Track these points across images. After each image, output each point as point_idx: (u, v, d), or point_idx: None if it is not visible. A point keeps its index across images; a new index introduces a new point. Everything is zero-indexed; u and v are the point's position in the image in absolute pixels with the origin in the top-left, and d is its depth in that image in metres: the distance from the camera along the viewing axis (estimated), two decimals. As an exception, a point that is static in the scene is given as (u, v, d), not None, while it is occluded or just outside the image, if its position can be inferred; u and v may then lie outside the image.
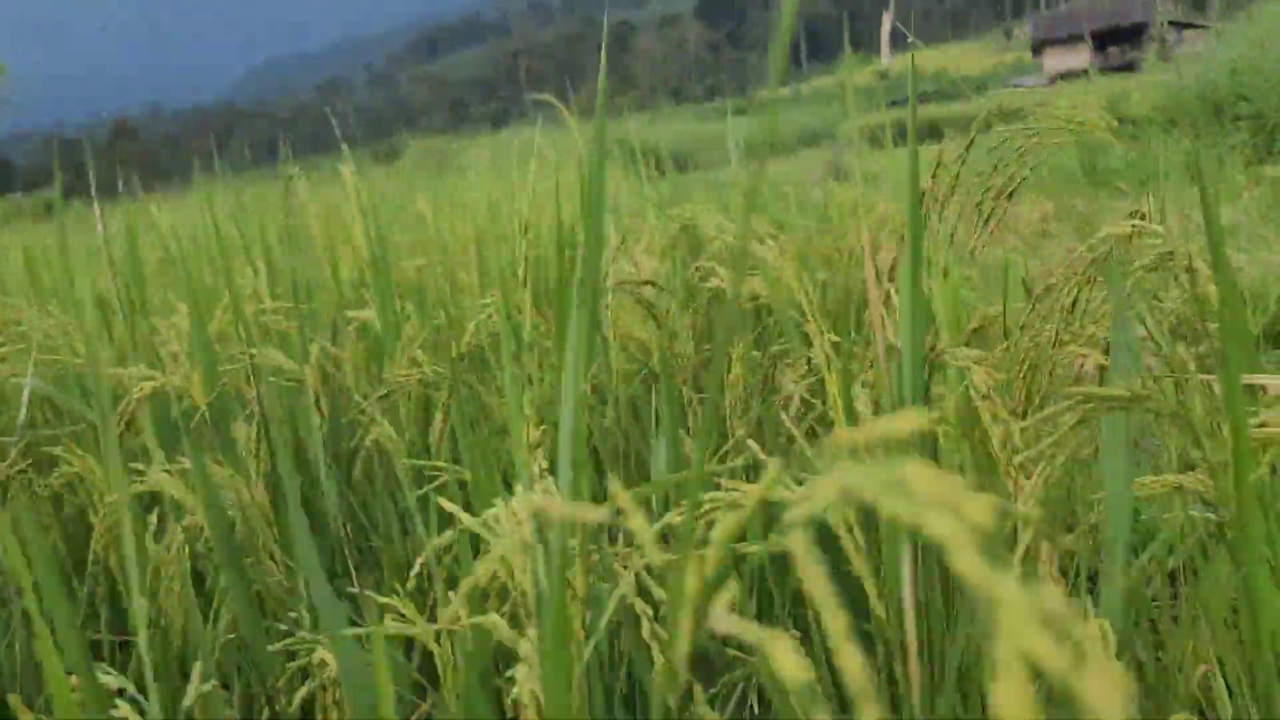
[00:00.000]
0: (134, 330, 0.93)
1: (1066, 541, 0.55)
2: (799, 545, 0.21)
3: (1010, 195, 0.69)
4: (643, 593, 0.56)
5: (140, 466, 0.69)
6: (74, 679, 0.46)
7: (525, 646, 0.49)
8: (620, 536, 0.64)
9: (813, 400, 0.84)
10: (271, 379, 0.79)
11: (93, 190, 0.88)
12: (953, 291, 0.98)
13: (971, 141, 0.69)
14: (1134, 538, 0.94)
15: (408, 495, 0.88)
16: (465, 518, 0.45)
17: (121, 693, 0.55)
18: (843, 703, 0.70)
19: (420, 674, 0.72)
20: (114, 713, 0.50)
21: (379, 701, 0.37)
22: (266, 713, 0.74)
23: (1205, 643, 0.68)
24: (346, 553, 0.85)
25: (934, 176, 0.72)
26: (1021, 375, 0.79)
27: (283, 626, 0.75)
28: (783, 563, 0.83)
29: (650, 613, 0.54)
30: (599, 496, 0.90)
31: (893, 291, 0.79)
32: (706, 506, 0.50)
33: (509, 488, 0.61)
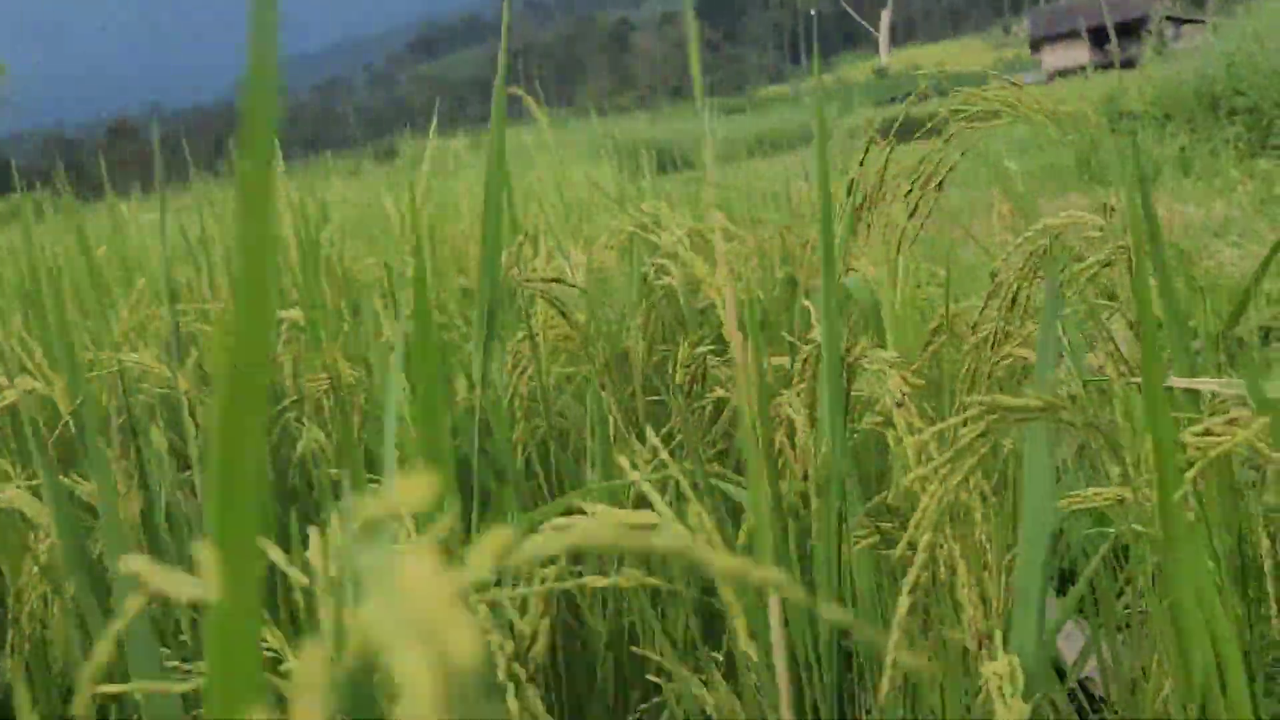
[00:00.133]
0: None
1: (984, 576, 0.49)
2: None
3: (940, 185, 0.64)
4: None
5: None
6: None
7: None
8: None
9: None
10: (147, 386, 0.74)
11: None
12: (902, 289, 0.93)
13: (893, 133, 0.64)
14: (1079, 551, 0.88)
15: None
16: (276, 555, 0.39)
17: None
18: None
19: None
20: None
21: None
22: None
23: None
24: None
25: (861, 165, 0.67)
26: (965, 376, 0.74)
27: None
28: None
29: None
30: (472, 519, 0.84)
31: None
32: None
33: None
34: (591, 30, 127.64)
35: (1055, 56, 30.73)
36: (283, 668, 0.52)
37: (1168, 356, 0.57)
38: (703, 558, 0.20)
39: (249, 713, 0.16)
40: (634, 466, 0.83)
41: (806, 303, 0.70)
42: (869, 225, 0.76)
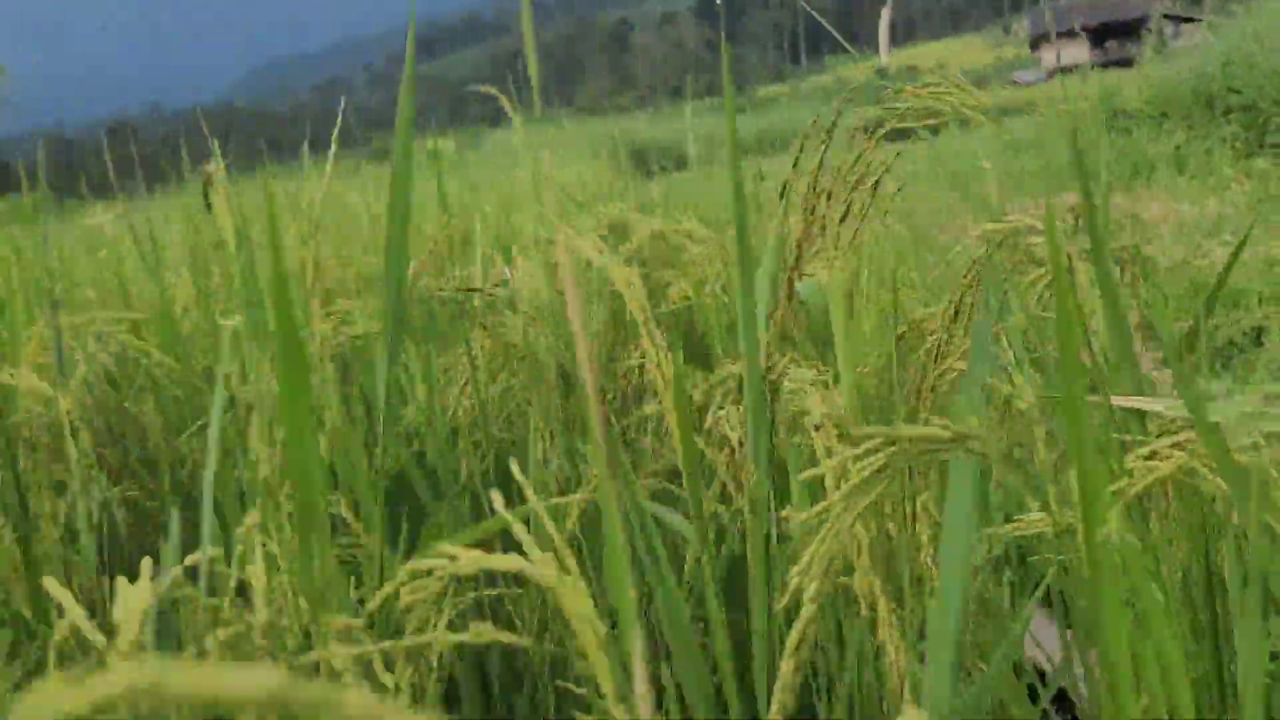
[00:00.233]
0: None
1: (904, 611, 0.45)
2: None
3: (876, 185, 0.59)
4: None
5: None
6: None
7: None
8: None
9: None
10: (30, 405, 0.69)
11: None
12: (863, 295, 0.88)
13: (830, 132, 0.59)
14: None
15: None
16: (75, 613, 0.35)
17: None
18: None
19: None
20: None
21: None
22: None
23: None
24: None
25: (793, 168, 0.62)
26: (910, 391, 0.70)
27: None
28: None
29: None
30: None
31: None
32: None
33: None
34: (591, 30, 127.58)
35: (1055, 55, 30.61)
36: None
37: (1112, 367, 0.53)
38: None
39: None
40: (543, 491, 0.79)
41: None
42: (821, 228, 0.71)
